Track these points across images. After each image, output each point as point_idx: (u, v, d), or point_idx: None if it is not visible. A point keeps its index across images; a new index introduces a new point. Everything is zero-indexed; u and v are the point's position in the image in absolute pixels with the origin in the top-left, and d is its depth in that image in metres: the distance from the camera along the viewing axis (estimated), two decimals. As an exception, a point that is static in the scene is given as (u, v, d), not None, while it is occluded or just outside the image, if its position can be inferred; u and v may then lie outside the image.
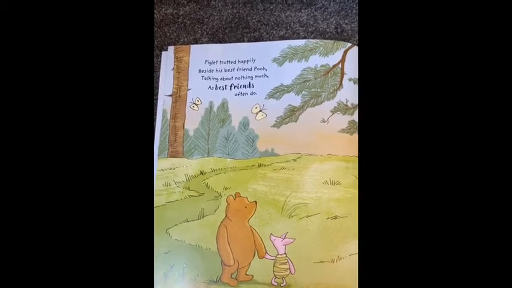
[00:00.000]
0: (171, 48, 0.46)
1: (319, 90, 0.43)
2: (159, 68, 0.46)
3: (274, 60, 0.44)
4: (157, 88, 0.45)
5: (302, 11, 0.49)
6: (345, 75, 0.43)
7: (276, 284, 0.37)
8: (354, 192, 0.39)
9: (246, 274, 0.38)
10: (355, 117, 0.42)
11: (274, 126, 0.42)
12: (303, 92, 0.43)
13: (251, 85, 0.43)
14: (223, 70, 0.44)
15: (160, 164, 0.42)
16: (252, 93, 0.43)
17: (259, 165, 0.41)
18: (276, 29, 0.48)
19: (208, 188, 0.41)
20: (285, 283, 0.37)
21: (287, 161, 0.41)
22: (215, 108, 0.43)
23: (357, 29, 0.48)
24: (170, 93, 0.44)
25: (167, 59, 0.45)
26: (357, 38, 0.47)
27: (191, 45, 0.46)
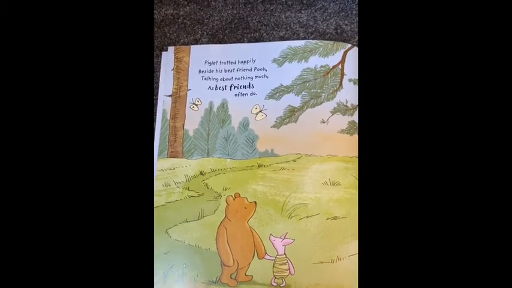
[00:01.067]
0: (171, 49, 0.46)
1: (319, 90, 0.43)
2: (159, 68, 0.46)
3: (274, 60, 0.44)
4: (157, 88, 0.45)
5: (302, 11, 0.49)
6: (344, 76, 0.43)
7: (275, 284, 0.37)
8: (353, 193, 0.39)
9: (246, 274, 0.38)
10: (355, 117, 0.42)
11: (274, 126, 0.42)
12: (303, 93, 0.43)
13: (251, 85, 0.43)
14: (223, 70, 0.44)
15: (160, 164, 0.42)
16: (251, 94, 0.43)
17: (259, 166, 0.41)
18: (276, 30, 0.48)
19: (208, 188, 0.41)
20: (284, 283, 0.37)
21: (287, 162, 0.41)
22: (215, 109, 0.43)
23: (356, 29, 0.48)
24: (170, 94, 0.44)
25: (167, 59, 0.45)
26: (357, 38, 0.47)
27: (191, 46, 0.46)
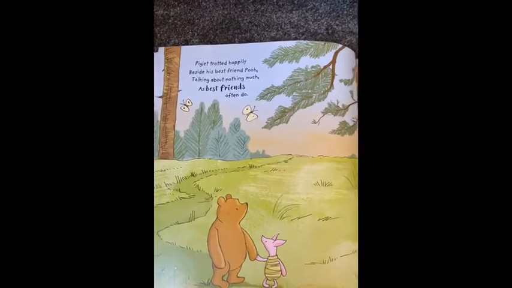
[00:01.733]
0: (161, 49, 0.45)
1: (310, 91, 0.42)
2: (150, 69, 0.46)
3: (265, 61, 0.44)
4: (148, 89, 0.45)
5: (293, 12, 0.49)
6: (335, 76, 0.43)
7: (267, 286, 0.37)
8: (345, 193, 0.39)
9: (237, 276, 0.38)
10: (346, 118, 0.42)
11: (265, 127, 0.42)
12: (294, 93, 0.42)
13: (242, 86, 0.43)
14: (214, 71, 0.44)
15: (151, 166, 0.41)
16: (242, 95, 0.43)
17: (250, 167, 0.41)
18: (267, 30, 0.48)
19: (199, 189, 0.40)
20: (276, 285, 0.37)
21: (278, 163, 0.41)
22: (206, 110, 0.43)
23: (347, 30, 0.48)
24: (160, 95, 0.44)
25: (157, 60, 0.45)
26: (348, 39, 0.48)
27: (182, 46, 0.45)
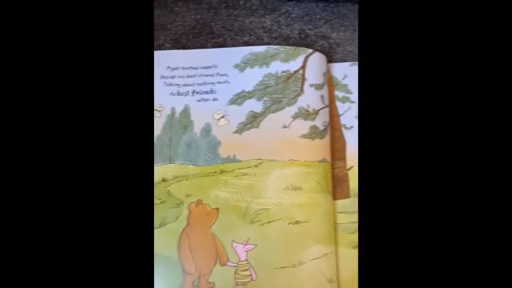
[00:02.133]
0: (133, 54, 0.45)
1: (280, 96, 0.43)
2: (121, 74, 0.45)
3: (236, 66, 0.44)
4: (119, 95, 0.44)
5: (266, 16, 0.49)
6: (305, 81, 0.43)
7: (237, 291, 0.37)
8: (315, 197, 0.40)
9: (208, 282, 0.38)
10: (316, 122, 0.42)
11: (236, 132, 0.42)
12: (264, 98, 0.43)
13: (213, 91, 0.43)
14: (185, 76, 0.44)
15: (122, 172, 0.41)
16: (214, 100, 0.43)
17: (221, 172, 0.41)
18: (240, 35, 0.48)
19: (170, 195, 0.40)
20: (246, 290, 0.37)
21: (249, 167, 0.41)
22: (177, 115, 0.43)
23: (320, 34, 0.48)
24: (132, 100, 0.44)
25: (129, 65, 0.45)
26: (320, 43, 0.48)
27: (154, 51, 0.45)
